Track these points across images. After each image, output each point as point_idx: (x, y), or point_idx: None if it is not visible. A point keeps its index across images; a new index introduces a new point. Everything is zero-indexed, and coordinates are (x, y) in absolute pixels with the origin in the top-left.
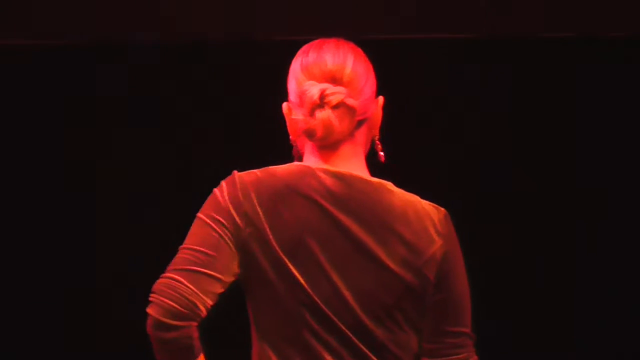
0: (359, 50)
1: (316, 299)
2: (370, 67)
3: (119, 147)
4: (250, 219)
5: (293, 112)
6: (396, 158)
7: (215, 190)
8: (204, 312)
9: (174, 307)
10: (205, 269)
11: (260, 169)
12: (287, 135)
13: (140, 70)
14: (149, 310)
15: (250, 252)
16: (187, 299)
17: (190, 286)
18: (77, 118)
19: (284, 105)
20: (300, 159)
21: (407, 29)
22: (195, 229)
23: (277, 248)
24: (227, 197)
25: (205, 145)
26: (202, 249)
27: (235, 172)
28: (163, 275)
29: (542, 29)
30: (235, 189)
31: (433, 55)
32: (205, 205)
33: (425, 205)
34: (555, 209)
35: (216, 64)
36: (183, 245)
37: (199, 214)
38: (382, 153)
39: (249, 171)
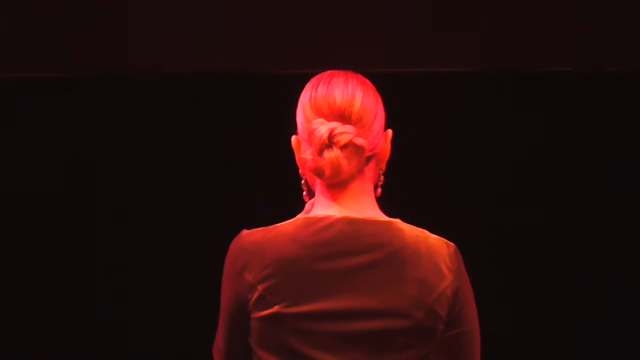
0: (369, 83)
1: (321, 350)
2: (380, 100)
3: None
4: (256, 283)
5: (302, 146)
6: (401, 191)
7: (227, 255)
8: None
9: None
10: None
11: (266, 228)
12: (297, 168)
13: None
14: None
15: (255, 313)
16: None
17: None
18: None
19: (293, 138)
20: (310, 192)
21: (414, 62)
22: (220, 319)
23: (281, 305)
24: (234, 266)
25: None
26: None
27: (242, 232)
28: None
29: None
30: (239, 252)
31: (438, 88)
32: (222, 283)
33: (435, 240)
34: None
35: (223, 97)
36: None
37: (221, 296)
38: (380, 188)
39: (254, 230)
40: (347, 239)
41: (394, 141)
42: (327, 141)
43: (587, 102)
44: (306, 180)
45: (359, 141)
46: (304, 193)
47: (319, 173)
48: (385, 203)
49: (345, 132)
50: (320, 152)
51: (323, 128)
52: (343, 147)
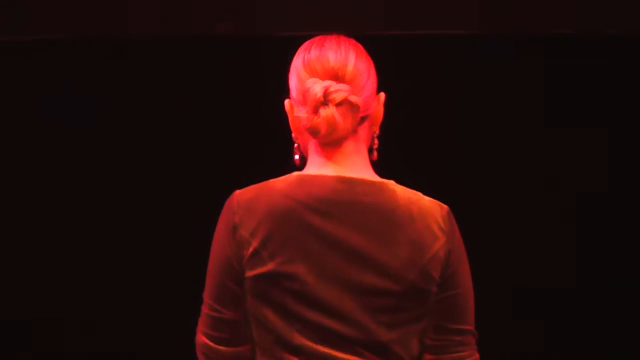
0: (360, 46)
1: (316, 309)
2: (372, 63)
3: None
4: (251, 238)
5: (295, 109)
6: (395, 155)
7: (221, 215)
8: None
9: None
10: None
11: (259, 185)
12: (290, 132)
13: (139, 66)
14: None
15: (250, 272)
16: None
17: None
18: None
19: (286, 102)
20: (302, 156)
21: (407, 25)
22: (209, 278)
23: (276, 262)
24: (228, 223)
25: (205, 144)
26: (217, 305)
27: (235, 192)
28: (197, 338)
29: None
30: (234, 209)
31: (431, 51)
32: (213, 240)
33: (428, 202)
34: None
35: (217, 60)
36: (204, 299)
37: (211, 254)
38: (376, 152)
39: (248, 188)
40: (339, 198)
41: (386, 104)
42: (322, 98)
43: (588, 65)
44: (299, 144)
45: (354, 99)
46: (296, 157)
47: (314, 131)
48: (380, 166)
49: (340, 90)
50: (315, 110)
51: (318, 86)
52: (338, 105)
